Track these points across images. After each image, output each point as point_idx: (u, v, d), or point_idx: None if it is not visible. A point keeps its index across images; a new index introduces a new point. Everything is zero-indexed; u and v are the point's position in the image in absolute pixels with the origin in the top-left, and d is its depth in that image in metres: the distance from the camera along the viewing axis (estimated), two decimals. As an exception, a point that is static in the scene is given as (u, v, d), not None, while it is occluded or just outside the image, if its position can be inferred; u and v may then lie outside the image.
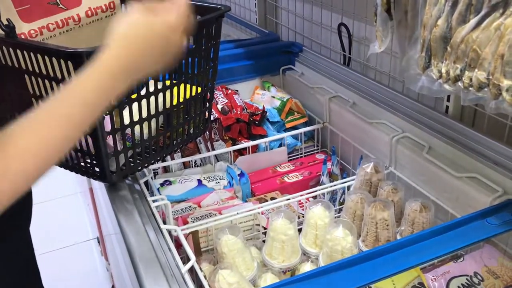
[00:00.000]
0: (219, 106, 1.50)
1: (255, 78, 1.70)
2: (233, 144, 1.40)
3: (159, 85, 0.94)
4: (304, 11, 1.77)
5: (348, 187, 1.17)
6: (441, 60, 0.73)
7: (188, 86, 1.00)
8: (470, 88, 0.69)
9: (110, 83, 0.62)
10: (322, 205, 1.01)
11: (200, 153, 1.37)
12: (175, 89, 0.97)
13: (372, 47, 0.86)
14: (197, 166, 1.36)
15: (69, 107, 0.59)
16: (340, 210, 1.20)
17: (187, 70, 0.99)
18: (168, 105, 0.96)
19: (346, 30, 1.53)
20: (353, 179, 1.17)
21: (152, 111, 0.93)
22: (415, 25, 0.79)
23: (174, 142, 1.03)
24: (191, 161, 1.33)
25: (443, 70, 0.73)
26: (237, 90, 1.62)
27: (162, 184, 1.25)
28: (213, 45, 1.01)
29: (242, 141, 1.41)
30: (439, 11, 0.71)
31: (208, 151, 1.37)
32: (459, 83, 0.71)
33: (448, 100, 1.12)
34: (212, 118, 1.43)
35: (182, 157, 1.34)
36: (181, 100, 0.99)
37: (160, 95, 0.94)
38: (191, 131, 1.08)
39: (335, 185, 1.18)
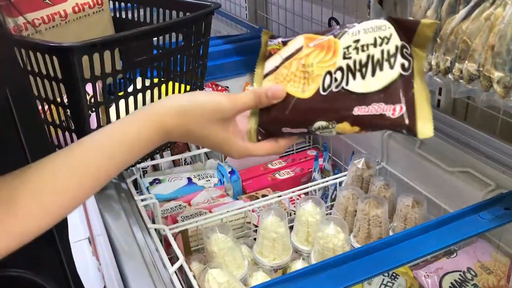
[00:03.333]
0: (209, 103, 1.48)
1: (245, 74, 1.67)
2: (224, 141, 1.38)
3: (147, 83, 0.92)
4: (295, 6, 1.75)
5: (340, 183, 1.16)
6: (431, 52, 0.72)
7: (176, 84, 0.98)
8: (461, 81, 0.68)
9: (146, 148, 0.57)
10: (313, 202, 0.99)
11: (190, 150, 1.35)
12: (163, 87, 0.95)
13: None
14: (187, 164, 1.34)
15: (100, 158, 0.54)
16: (332, 206, 1.19)
17: (175, 68, 0.97)
18: None
19: (336, 24, 1.51)
20: (345, 175, 1.16)
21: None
22: (404, 17, 0.77)
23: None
24: (181, 159, 1.31)
25: (433, 62, 0.72)
26: (227, 87, 1.61)
27: (151, 183, 1.23)
28: (202, 43, 1.00)
29: (232, 138, 1.39)
30: (428, 2, 0.70)
31: (198, 148, 1.35)
32: (450, 76, 0.70)
33: (439, 93, 1.11)
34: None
35: (172, 155, 1.32)
36: None
37: (148, 93, 0.92)
38: None
39: (326, 181, 1.16)
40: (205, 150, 1.33)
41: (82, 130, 0.82)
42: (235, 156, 0.63)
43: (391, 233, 1.00)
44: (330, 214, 1.13)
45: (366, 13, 1.37)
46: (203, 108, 0.58)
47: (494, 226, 0.75)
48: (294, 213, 1.17)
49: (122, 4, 1.19)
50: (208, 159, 1.35)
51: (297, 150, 1.46)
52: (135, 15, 1.16)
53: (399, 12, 0.78)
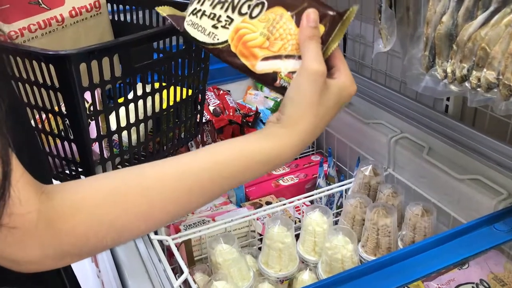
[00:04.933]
0: (211, 108, 1.45)
1: (247, 77, 1.64)
2: (226, 147, 1.35)
3: (148, 88, 0.89)
4: (297, 8, 1.73)
5: (346, 190, 1.13)
6: (446, 59, 0.69)
7: (178, 88, 0.96)
8: (478, 89, 0.65)
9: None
10: (319, 211, 0.97)
11: (191, 156, 1.32)
12: (165, 92, 0.92)
13: (376, 46, 0.82)
14: (189, 170, 1.31)
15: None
16: (338, 214, 1.17)
17: (177, 72, 0.94)
18: (157, 109, 0.91)
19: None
20: (351, 182, 1.13)
21: (141, 116, 0.89)
22: (417, 22, 0.75)
23: (165, 147, 0.99)
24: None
25: (449, 70, 0.69)
26: (229, 91, 1.58)
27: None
28: None
29: (235, 144, 1.36)
30: (443, 7, 0.67)
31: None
32: (466, 84, 0.67)
33: (447, 99, 1.08)
34: (204, 120, 1.39)
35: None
36: (171, 103, 0.94)
37: (149, 99, 0.89)
38: (182, 135, 1.03)
39: (332, 189, 1.14)
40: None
41: (82, 139, 0.79)
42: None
43: (399, 242, 0.97)
44: (336, 221, 1.10)
45: (372, 16, 1.35)
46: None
47: (510, 239, 0.72)
48: (299, 221, 1.14)
49: (121, 6, 1.16)
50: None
51: (301, 156, 1.43)
52: (134, 17, 1.13)
53: (412, 16, 0.76)
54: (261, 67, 0.56)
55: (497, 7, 0.61)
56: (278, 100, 1.49)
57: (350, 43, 1.51)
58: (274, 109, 1.47)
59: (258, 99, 1.55)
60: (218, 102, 1.47)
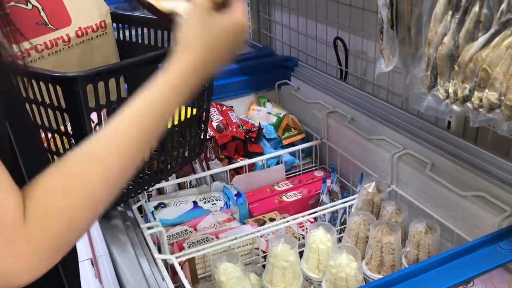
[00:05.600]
0: (214, 124, 1.46)
1: (250, 93, 1.66)
2: (229, 163, 1.36)
3: None
4: (299, 25, 1.74)
5: (350, 207, 1.13)
6: (448, 80, 0.70)
7: (183, 108, 0.96)
8: (480, 109, 0.66)
9: (179, 96, 0.59)
10: (323, 228, 0.97)
11: (195, 173, 1.33)
12: None
13: (378, 66, 0.82)
14: (193, 186, 1.32)
15: (133, 125, 0.55)
16: (342, 230, 1.17)
17: None
18: None
19: (342, 44, 1.50)
20: (354, 198, 1.13)
21: None
22: (419, 42, 0.76)
23: (169, 166, 0.99)
24: (186, 181, 1.29)
25: (451, 90, 0.70)
26: (232, 106, 1.59)
27: (156, 207, 1.20)
28: None
29: (238, 160, 1.37)
30: (444, 28, 0.68)
31: (204, 171, 1.33)
32: (468, 104, 0.68)
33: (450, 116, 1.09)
34: (207, 137, 1.39)
35: (177, 177, 1.29)
36: (176, 122, 0.95)
37: None
38: (186, 154, 1.03)
39: (336, 205, 1.14)
40: (211, 172, 1.30)
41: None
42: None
43: (403, 260, 0.97)
44: (340, 238, 1.10)
45: (372, 32, 1.36)
46: (207, 24, 0.61)
47: (515, 258, 0.72)
48: (303, 238, 1.14)
49: (126, 25, 1.17)
50: (214, 181, 1.33)
51: (303, 171, 1.44)
52: (139, 36, 1.14)
53: (413, 37, 0.76)
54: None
55: (497, 29, 0.61)
56: (281, 116, 1.50)
57: (352, 59, 1.52)
58: (277, 125, 1.48)
59: (261, 115, 1.56)
60: (221, 118, 1.48)
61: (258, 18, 1.97)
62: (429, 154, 1.08)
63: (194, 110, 1.00)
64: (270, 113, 1.55)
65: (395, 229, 0.92)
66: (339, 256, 0.87)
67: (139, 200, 1.04)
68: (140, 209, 1.08)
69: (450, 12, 0.68)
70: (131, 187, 0.93)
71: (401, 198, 1.11)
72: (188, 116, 0.98)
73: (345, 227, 1.12)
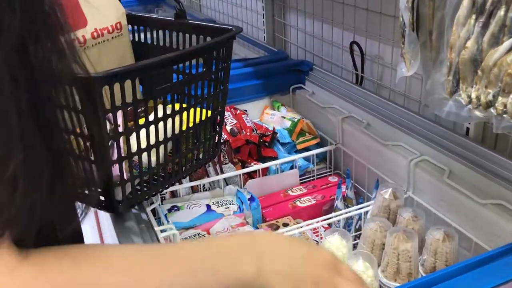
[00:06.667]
0: (228, 127, 1.46)
1: (264, 97, 1.66)
2: (243, 167, 1.35)
3: (168, 110, 0.89)
4: (314, 29, 1.73)
5: (365, 213, 1.12)
6: (471, 85, 0.69)
7: (198, 110, 0.96)
8: (504, 115, 0.64)
9: None
10: (338, 234, 0.95)
11: (208, 176, 1.32)
12: (185, 113, 0.92)
13: (399, 71, 0.81)
14: (206, 190, 1.31)
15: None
16: (356, 237, 1.15)
17: (196, 94, 0.94)
18: (177, 130, 0.91)
19: (358, 48, 1.49)
20: (369, 205, 1.12)
21: (161, 137, 0.89)
22: (440, 47, 0.74)
23: (183, 168, 0.99)
24: (200, 185, 1.29)
25: (473, 95, 0.68)
26: (246, 110, 1.58)
27: (169, 210, 1.20)
28: (223, 68, 0.97)
29: (252, 164, 1.36)
30: (468, 32, 0.67)
31: (217, 174, 1.32)
32: (492, 109, 0.66)
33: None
34: (221, 140, 1.39)
35: (190, 181, 1.29)
36: (191, 125, 0.94)
37: (169, 120, 0.90)
38: (201, 156, 1.03)
39: (350, 211, 1.12)
40: (224, 176, 1.30)
41: (103, 161, 0.79)
42: None
43: (420, 268, 0.95)
44: (355, 244, 1.08)
45: (389, 37, 1.35)
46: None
47: (537, 268, 0.70)
48: (317, 244, 1.13)
49: (141, 27, 1.17)
50: (227, 185, 1.32)
51: (318, 176, 1.42)
52: (154, 38, 1.14)
53: (435, 41, 0.75)
54: None
55: (524, 34, 0.60)
56: (296, 120, 1.49)
57: (368, 64, 1.51)
58: (291, 129, 1.47)
59: (275, 119, 1.55)
60: (235, 121, 1.47)
61: (273, 22, 1.96)
62: (447, 161, 1.06)
63: (209, 112, 0.99)
64: (284, 117, 1.54)
65: (412, 236, 0.90)
66: (355, 263, 0.86)
67: (152, 203, 1.04)
68: (154, 211, 1.08)
69: (473, 16, 0.66)
70: (145, 189, 0.93)
71: (417, 205, 1.10)
72: (203, 118, 0.97)
73: (359, 234, 1.11)
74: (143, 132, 0.85)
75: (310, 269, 0.57)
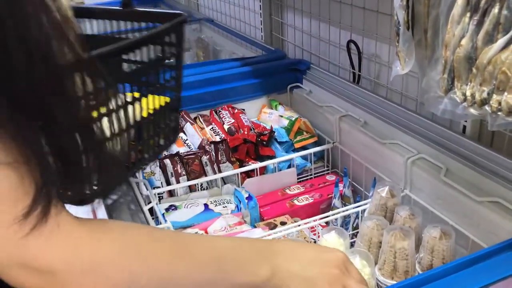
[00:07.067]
0: (226, 126, 1.46)
1: (261, 96, 1.66)
2: (241, 166, 1.35)
3: (129, 98, 0.89)
4: (312, 27, 1.73)
5: (362, 211, 1.12)
6: (466, 82, 0.69)
7: (155, 97, 0.96)
8: (499, 113, 0.65)
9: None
10: (335, 232, 0.95)
11: (206, 175, 1.32)
12: (144, 100, 0.92)
13: (394, 69, 0.81)
14: (204, 189, 1.31)
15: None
16: (353, 235, 1.15)
17: (149, 82, 0.94)
18: (138, 117, 0.91)
19: (355, 47, 1.49)
20: (367, 203, 1.12)
21: (123, 125, 0.89)
22: (435, 45, 0.74)
23: (145, 155, 0.99)
24: (197, 184, 1.29)
25: (468, 93, 0.68)
26: (243, 109, 1.58)
27: (167, 209, 1.20)
28: (176, 54, 0.97)
29: (249, 163, 1.36)
30: (462, 30, 0.67)
31: (215, 173, 1.32)
32: (486, 107, 0.67)
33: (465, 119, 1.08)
34: (218, 139, 1.39)
35: (188, 180, 1.29)
36: (151, 111, 0.94)
37: (130, 108, 0.89)
38: (162, 142, 1.03)
39: (348, 210, 1.13)
40: (222, 175, 1.30)
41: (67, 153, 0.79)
42: None
43: (417, 266, 0.95)
44: (352, 243, 1.09)
45: (386, 35, 1.35)
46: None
47: (533, 265, 0.71)
48: (315, 242, 1.13)
49: (89, 18, 1.15)
50: (225, 184, 1.32)
51: (315, 175, 1.43)
52: (102, 29, 1.12)
53: (430, 39, 0.75)
54: None
55: (518, 31, 0.60)
56: (293, 119, 1.49)
57: (365, 62, 1.51)
58: (289, 128, 1.47)
59: (273, 118, 1.56)
60: (233, 121, 1.48)
61: (270, 21, 1.96)
62: (444, 159, 1.06)
63: (168, 99, 0.99)
64: (282, 116, 1.54)
65: (409, 234, 0.90)
66: (353, 261, 0.86)
67: (150, 202, 1.04)
68: (151, 211, 1.08)
69: (468, 14, 0.67)
70: (112, 181, 0.93)
71: (414, 203, 1.10)
72: (163, 104, 0.97)
73: (357, 232, 1.11)
74: (105, 121, 0.85)
75: (324, 268, 0.60)
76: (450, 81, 0.71)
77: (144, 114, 0.91)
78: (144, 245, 0.54)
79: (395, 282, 0.90)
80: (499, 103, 0.64)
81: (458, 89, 0.70)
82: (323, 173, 1.44)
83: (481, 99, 0.66)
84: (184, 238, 0.61)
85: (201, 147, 1.37)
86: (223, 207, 1.24)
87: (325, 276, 0.60)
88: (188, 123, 1.49)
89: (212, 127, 1.47)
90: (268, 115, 1.58)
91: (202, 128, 1.48)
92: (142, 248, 0.53)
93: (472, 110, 0.69)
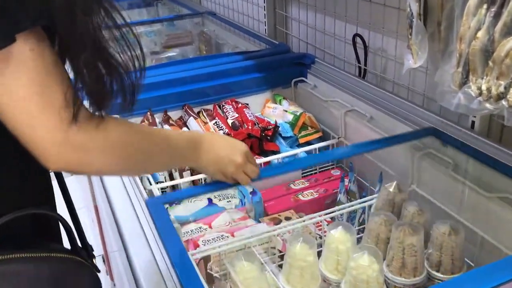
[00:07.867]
0: (230, 121, 1.44)
1: (266, 91, 1.64)
2: (245, 161, 1.33)
3: None
4: (317, 21, 1.71)
5: (368, 207, 1.10)
6: (481, 76, 0.67)
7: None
8: (517, 107, 0.63)
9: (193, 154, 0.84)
10: (342, 228, 0.94)
11: (210, 170, 1.30)
12: None
13: (406, 63, 0.80)
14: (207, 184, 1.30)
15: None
16: (360, 230, 1.14)
17: None
18: None
19: (361, 41, 1.47)
20: (373, 198, 1.10)
21: None
22: (449, 38, 0.73)
23: None
24: (201, 179, 1.27)
25: (484, 87, 0.67)
26: (247, 104, 1.57)
27: (171, 204, 1.19)
28: None
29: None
30: (478, 22, 0.65)
31: (219, 168, 1.30)
32: (503, 101, 0.65)
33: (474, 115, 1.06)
34: (222, 134, 1.37)
35: (191, 175, 1.28)
36: None
37: None
38: None
39: (354, 205, 1.11)
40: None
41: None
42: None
43: (425, 262, 0.94)
44: (358, 238, 1.07)
45: (393, 29, 1.33)
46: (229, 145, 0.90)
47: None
48: (320, 238, 1.12)
49: None
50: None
51: (320, 170, 1.41)
52: None
53: (443, 32, 0.74)
54: None
55: (538, 23, 0.59)
56: (298, 114, 1.47)
57: (371, 57, 1.49)
58: (293, 123, 1.46)
59: (277, 112, 1.54)
60: (237, 115, 1.46)
61: (274, 15, 1.94)
62: (452, 154, 1.05)
63: None
64: (286, 111, 1.52)
65: (418, 230, 0.89)
66: (361, 257, 0.84)
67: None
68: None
69: (485, 6, 0.65)
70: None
71: (422, 198, 1.09)
72: None
73: (363, 228, 1.10)
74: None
75: (232, 156, 0.87)
76: (464, 74, 0.70)
77: None
78: (131, 135, 0.69)
79: (403, 279, 0.89)
80: (517, 97, 0.63)
81: (473, 83, 0.69)
82: (327, 168, 1.43)
83: (497, 93, 0.65)
84: (149, 130, 0.83)
85: (204, 141, 1.35)
86: (227, 201, 1.23)
87: (233, 161, 0.86)
88: (192, 117, 1.47)
89: (216, 122, 1.45)
90: (272, 109, 1.56)
91: (206, 123, 1.46)
92: (131, 137, 0.69)
93: (487, 105, 0.68)
